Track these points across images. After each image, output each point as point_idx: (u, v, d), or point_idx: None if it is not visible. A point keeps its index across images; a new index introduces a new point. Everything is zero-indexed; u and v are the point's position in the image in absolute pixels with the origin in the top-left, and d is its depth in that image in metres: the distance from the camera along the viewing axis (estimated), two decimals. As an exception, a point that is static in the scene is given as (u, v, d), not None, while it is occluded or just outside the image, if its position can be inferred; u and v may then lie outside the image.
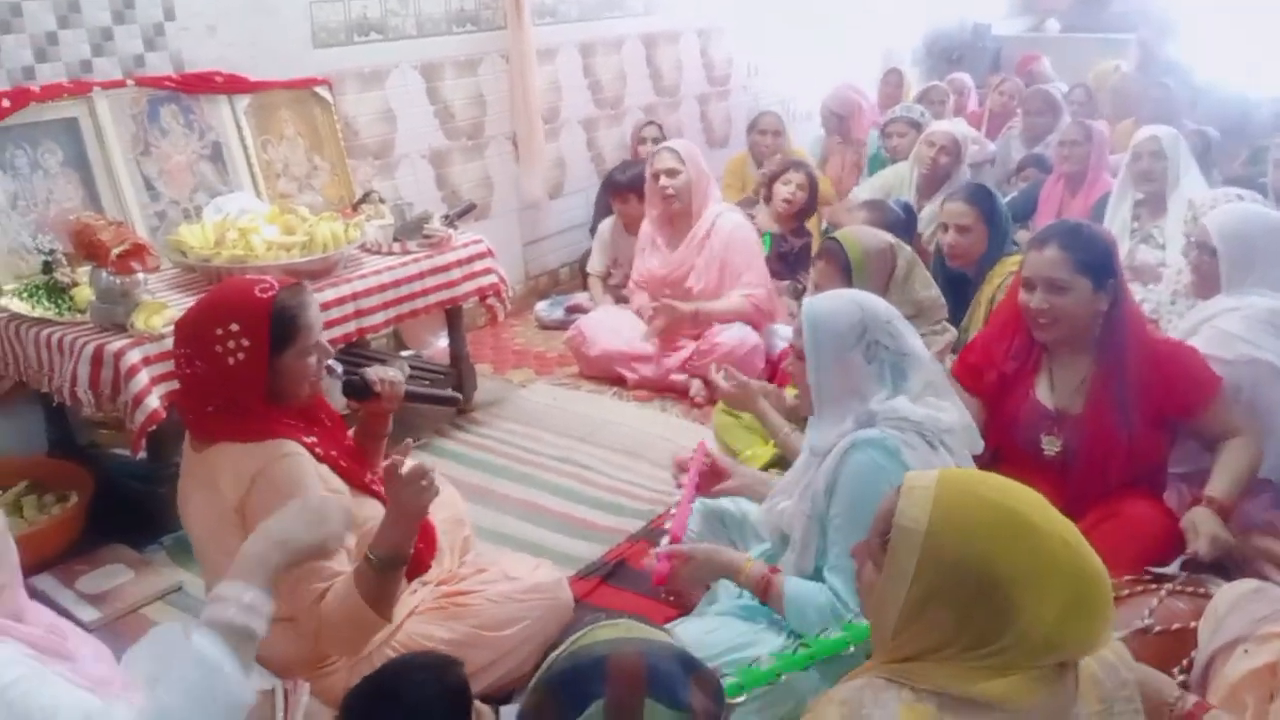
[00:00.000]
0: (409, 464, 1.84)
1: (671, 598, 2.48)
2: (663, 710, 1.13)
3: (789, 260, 4.38)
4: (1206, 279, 2.81)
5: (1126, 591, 2.09)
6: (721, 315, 3.89)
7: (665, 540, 2.15)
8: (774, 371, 3.71)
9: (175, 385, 2.62)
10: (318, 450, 1.96)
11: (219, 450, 1.90)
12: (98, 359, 2.59)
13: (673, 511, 2.33)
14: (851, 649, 1.75)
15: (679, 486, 2.41)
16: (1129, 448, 2.41)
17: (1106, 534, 2.32)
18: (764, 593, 1.97)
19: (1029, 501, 1.24)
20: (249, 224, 3.11)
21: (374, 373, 2.16)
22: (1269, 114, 5.41)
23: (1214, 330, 2.64)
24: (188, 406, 1.99)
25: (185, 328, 1.94)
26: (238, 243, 3.03)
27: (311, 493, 1.87)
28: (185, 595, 2.63)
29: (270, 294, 1.91)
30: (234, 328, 1.86)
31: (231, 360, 1.86)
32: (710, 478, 2.40)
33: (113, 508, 2.85)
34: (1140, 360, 2.41)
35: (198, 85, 3.41)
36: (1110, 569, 2.15)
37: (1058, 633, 1.19)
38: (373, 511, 2.01)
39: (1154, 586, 2.10)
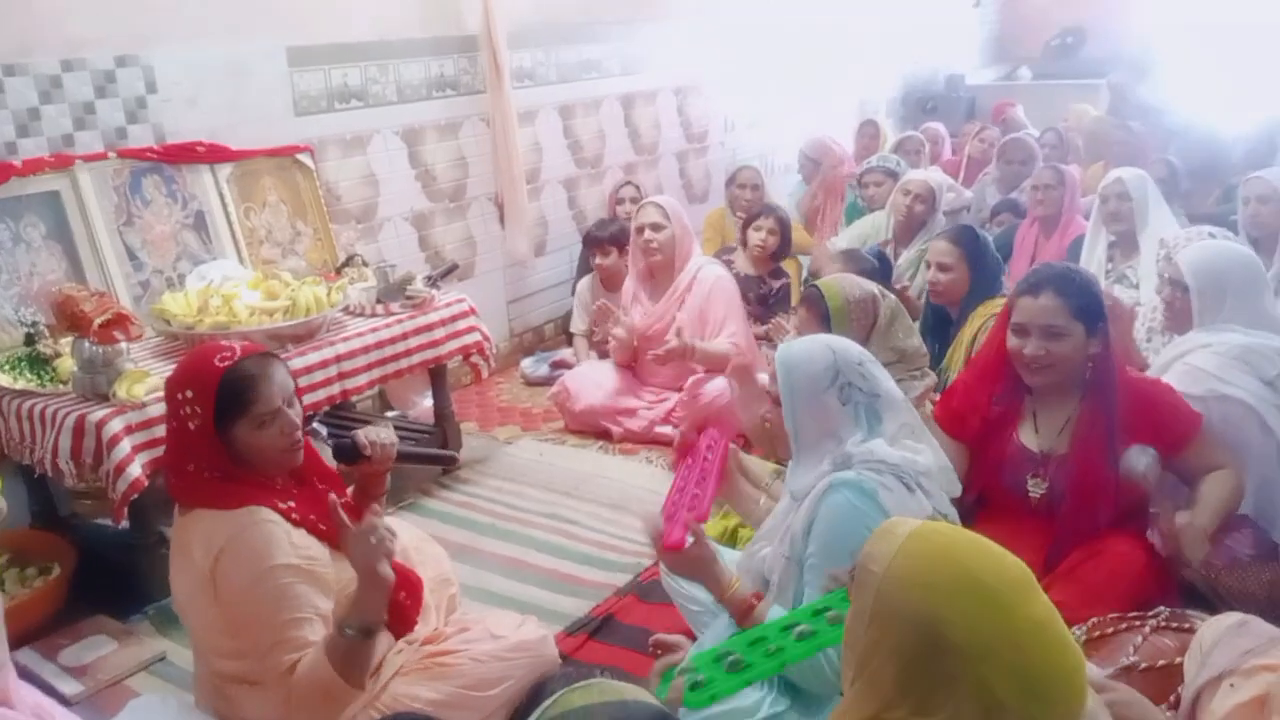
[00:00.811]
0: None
1: (660, 651, 2.46)
2: None
3: (769, 302, 4.43)
4: (1179, 315, 2.85)
5: (1111, 629, 2.09)
6: (713, 356, 3.89)
7: (687, 513, 2.08)
8: (758, 421, 3.72)
9: (157, 454, 2.64)
10: (294, 515, 1.95)
11: (195, 516, 1.90)
12: (79, 429, 2.60)
13: (694, 492, 2.20)
14: (822, 657, 1.75)
15: (674, 468, 2.34)
16: (1114, 487, 2.42)
17: (1090, 572, 2.34)
18: (743, 616, 1.96)
19: (1005, 575, 1.18)
20: (232, 290, 3.14)
21: (364, 435, 2.14)
22: (1240, 153, 5.50)
23: (1186, 367, 2.66)
24: (170, 465, 2.00)
25: (165, 387, 2.01)
26: (221, 309, 3.06)
27: (279, 561, 1.86)
28: (169, 665, 2.59)
29: (226, 363, 1.89)
30: (189, 394, 1.88)
31: (191, 425, 1.89)
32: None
33: (95, 578, 2.83)
34: (1124, 400, 2.43)
35: (179, 155, 3.46)
36: (1095, 606, 2.19)
37: (1006, 717, 1.13)
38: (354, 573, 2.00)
39: (1138, 623, 2.09)
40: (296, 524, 1.94)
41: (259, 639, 1.85)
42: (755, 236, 4.47)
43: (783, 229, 4.48)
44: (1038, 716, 1.14)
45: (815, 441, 1.99)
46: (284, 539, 1.89)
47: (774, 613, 1.92)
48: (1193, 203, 5.16)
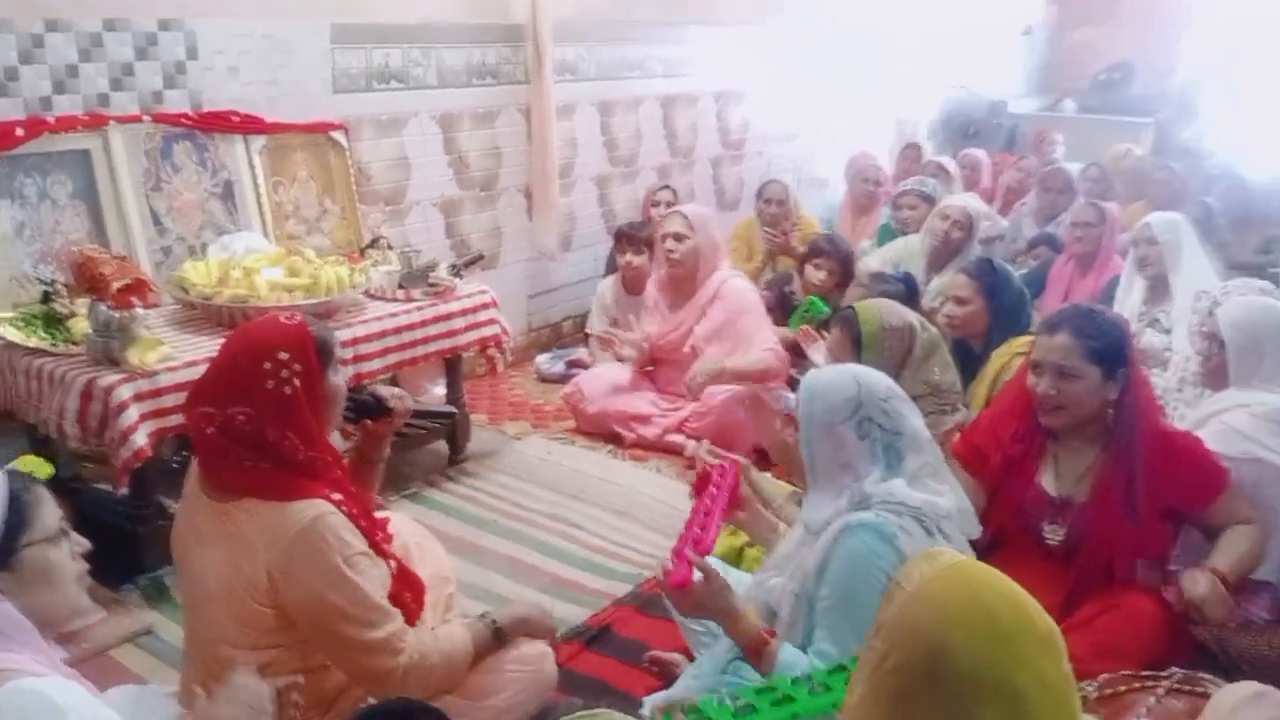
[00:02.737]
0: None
1: (655, 668, 2.42)
2: None
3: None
4: (1214, 371, 2.78)
5: (1124, 688, 2.03)
6: (749, 371, 3.82)
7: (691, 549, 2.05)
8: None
9: (164, 424, 2.62)
10: (344, 509, 1.89)
11: (246, 507, 1.82)
12: (88, 393, 2.57)
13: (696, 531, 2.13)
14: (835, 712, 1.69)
15: (693, 496, 2.30)
16: (1134, 539, 2.36)
17: (1106, 625, 2.28)
18: (756, 652, 1.91)
19: (1029, 628, 1.16)
20: (253, 264, 3.11)
21: (383, 390, 2.20)
22: (1278, 205, 5.40)
23: (1222, 426, 2.59)
24: (213, 462, 1.89)
25: (220, 380, 1.86)
26: (241, 282, 3.03)
27: (357, 549, 1.83)
28: (155, 639, 2.57)
29: (299, 319, 1.91)
30: (283, 356, 1.81)
31: (288, 389, 1.81)
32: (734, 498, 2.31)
33: (90, 544, 2.80)
34: (1149, 450, 2.36)
35: (213, 124, 3.44)
36: (1108, 660, 2.13)
37: None
38: (385, 572, 1.94)
39: (1151, 684, 2.03)
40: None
41: (346, 631, 1.81)
42: (815, 275, 4.31)
43: (843, 269, 4.31)
44: None
45: (830, 473, 1.95)
46: (351, 528, 1.85)
47: (786, 653, 1.87)
48: (1230, 251, 5.07)
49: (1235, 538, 2.35)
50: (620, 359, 4.07)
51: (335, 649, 1.86)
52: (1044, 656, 1.15)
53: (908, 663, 1.16)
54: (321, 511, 1.82)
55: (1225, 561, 2.29)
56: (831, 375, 2.01)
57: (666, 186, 5.08)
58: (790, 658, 1.88)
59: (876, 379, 2.00)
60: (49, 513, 1.54)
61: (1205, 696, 1.95)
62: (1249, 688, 1.92)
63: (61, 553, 1.55)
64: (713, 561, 2.35)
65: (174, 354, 2.73)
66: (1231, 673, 2.18)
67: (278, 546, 1.78)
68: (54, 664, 1.48)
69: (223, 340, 1.99)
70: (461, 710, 1.99)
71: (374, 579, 1.85)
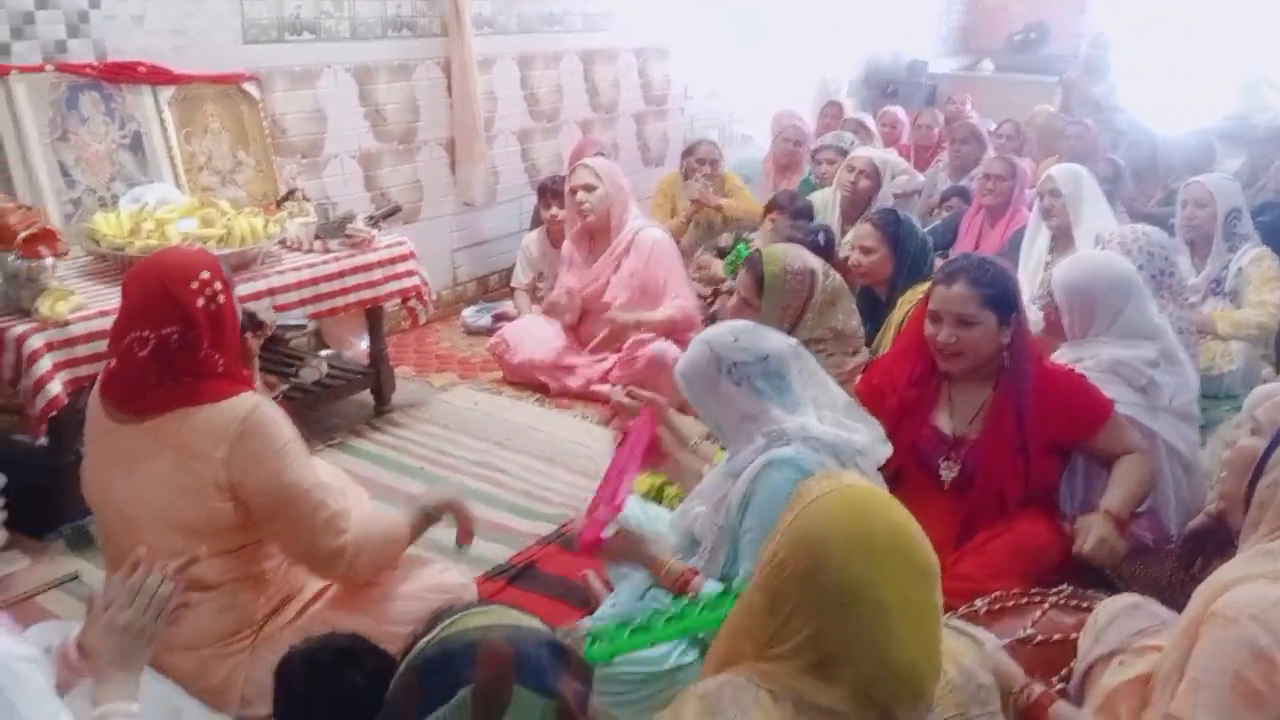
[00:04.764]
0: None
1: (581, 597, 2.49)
2: (531, 696, 1.13)
3: None
4: (1054, 328, 2.89)
5: (1012, 603, 2.15)
6: (658, 324, 3.91)
7: (603, 508, 2.16)
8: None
9: (78, 373, 2.60)
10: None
11: (178, 417, 1.89)
12: (-1, 343, 2.54)
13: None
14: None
15: (619, 446, 2.43)
16: (1024, 473, 2.48)
17: (998, 548, 2.38)
18: (681, 591, 2.01)
19: (911, 554, 1.27)
20: (166, 215, 3.07)
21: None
22: (1179, 158, 5.60)
23: None
24: (132, 390, 1.92)
25: (148, 304, 1.89)
26: (153, 233, 2.99)
27: (294, 436, 1.94)
28: (81, 584, 2.57)
29: (198, 247, 2.12)
30: (205, 275, 1.91)
31: (213, 306, 1.91)
32: (650, 453, 2.42)
33: (12, 495, 2.77)
34: (1037, 388, 2.48)
35: (120, 74, 3.37)
36: (1000, 580, 2.25)
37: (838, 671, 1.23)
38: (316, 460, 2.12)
39: (1039, 600, 2.15)
40: None
41: (302, 509, 1.92)
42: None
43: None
44: (865, 688, 1.22)
45: (735, 429, 2.07)
46: (285, 416, 1.97)
47: (710, 586, 1.97)
48: (1135, 203, 5.26)
49: (1126, 470, 2.47)
50: (551, 315, 4.07)
51: (289, 533, 1.95)
52: (912, 580, 1.26)
53: (788, 564, 1.27)
54: (256, 402, 1.93)
55: (1117, 500, 2.40)
56: (687, 355, 2.14)
57: (600, 153, 5.05)
58: (712, 589, 1.98)
59: (718, 330, 2.14)
60: None
61: (1090, 611, 2.08)
62: (1128, 599, 2.05)
63: None
64: (633, 504, 2.45)
65: (85, 304, 2.70)
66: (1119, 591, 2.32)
67: (227, 439, 1.87)
68: None
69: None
70: (384, 637, 2.03)
71: (314, 464, 1.99)
